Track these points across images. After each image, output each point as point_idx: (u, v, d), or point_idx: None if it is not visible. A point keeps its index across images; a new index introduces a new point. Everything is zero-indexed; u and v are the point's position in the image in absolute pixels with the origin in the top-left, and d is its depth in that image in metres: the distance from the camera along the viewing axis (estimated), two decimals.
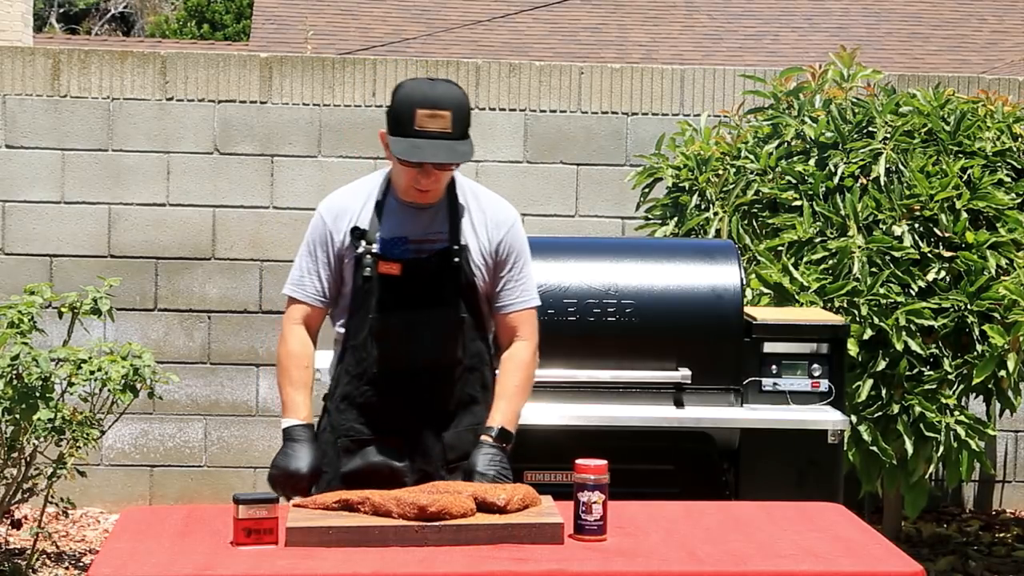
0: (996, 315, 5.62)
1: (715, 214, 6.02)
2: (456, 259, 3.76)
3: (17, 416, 5.75)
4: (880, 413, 5.63)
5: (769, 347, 4.80)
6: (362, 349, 3.78)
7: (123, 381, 5.78)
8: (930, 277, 5.67)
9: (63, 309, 6.07)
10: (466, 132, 3.69)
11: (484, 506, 3.33)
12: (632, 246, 5.33)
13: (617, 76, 7.47)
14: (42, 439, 5.89)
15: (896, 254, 5.64)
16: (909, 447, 5.61)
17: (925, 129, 6.01)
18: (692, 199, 6.15)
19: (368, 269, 3.74)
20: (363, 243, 3.76)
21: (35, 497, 6.26)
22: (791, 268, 5.63)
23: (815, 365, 4.80)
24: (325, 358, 4.13)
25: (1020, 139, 6.11)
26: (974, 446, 5.66)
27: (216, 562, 3.11)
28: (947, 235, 5.72)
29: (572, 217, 7.45)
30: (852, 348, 5.39)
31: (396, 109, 3.67)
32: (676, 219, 6.18)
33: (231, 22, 20.94)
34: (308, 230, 3.85)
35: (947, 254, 5.71)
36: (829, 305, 5.51)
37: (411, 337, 3.76)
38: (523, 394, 3.84)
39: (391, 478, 3.70)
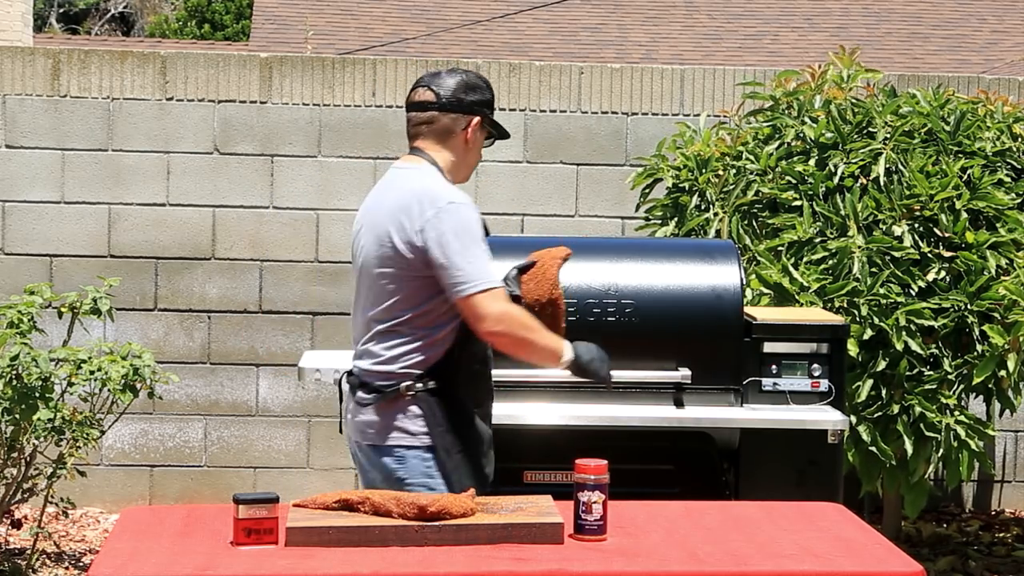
0: (996, 315, 5.62)
1: (715, 214, 6.02)
2: None
3: (17, 416, 5.75)
4: (880, 413, 5.63)
5: (769, 347, 4.79)
6: (485, 346, 3.84)
7: (123, 381, 5.78)
8: (930, 277, 5.67)
9: (63, 309, 6.07)
10: None
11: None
12: (632, 246, 5.32)
13: (617, 76, 7.46)
14: (42, 439, 5.89)
15: (896, 254, 5.64)
16: (909, 447, 5.61)
17: (925, 129, 6.01)
18: (692, 199, 6.15)
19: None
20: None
21: (35, 497, 6.26)
22: (791, 268, 5.62)
23: (815, 365, 4.80)
24: (322, 358, 4.12)
25: (1020, 139, 6.11)
26: (974, 446, 5.66)
27: (216, 562, 3.11)
28: (947, 235, 5.72)
29: (572, 217, 7.45)
30: (852, 348, 5.39)
31: (491, 95, 4.02)
32: (676, 219, 6.18)
33: (231, 22, 20.93)
34: (473, 223, 3.74)
35: (947, 254, 5.71)
36: (829, 305, 5.51)
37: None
38: None
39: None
